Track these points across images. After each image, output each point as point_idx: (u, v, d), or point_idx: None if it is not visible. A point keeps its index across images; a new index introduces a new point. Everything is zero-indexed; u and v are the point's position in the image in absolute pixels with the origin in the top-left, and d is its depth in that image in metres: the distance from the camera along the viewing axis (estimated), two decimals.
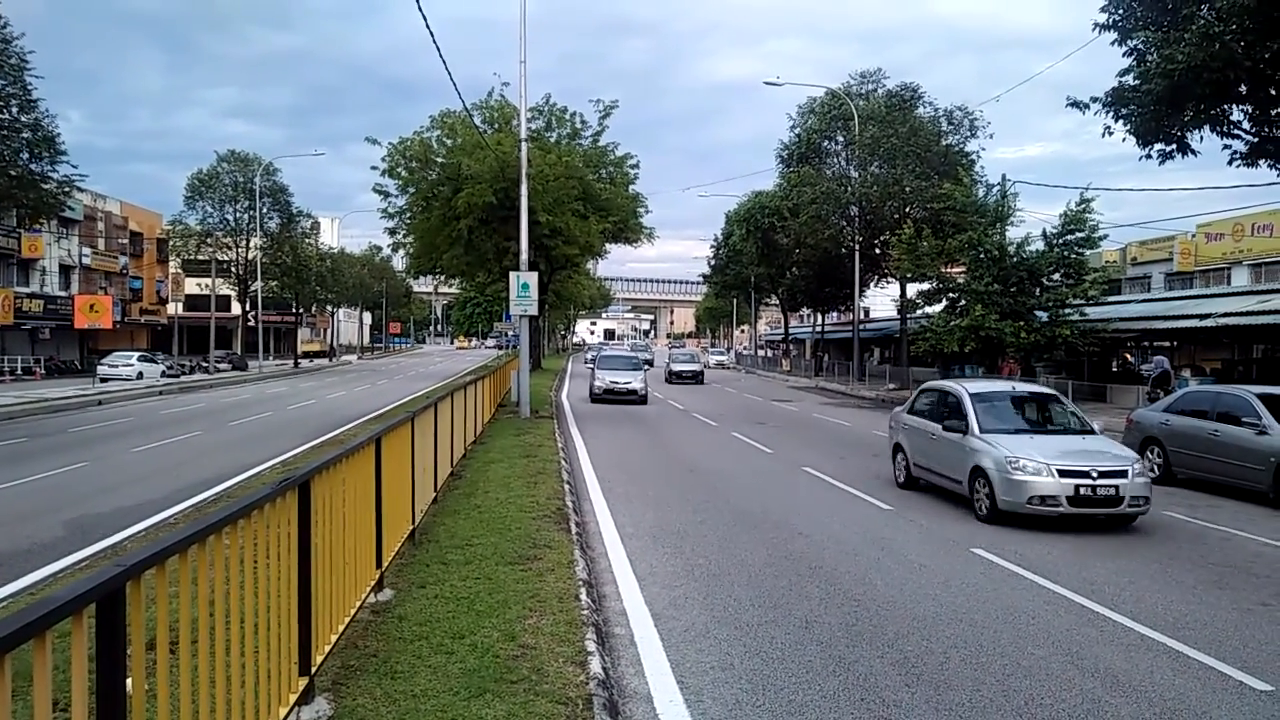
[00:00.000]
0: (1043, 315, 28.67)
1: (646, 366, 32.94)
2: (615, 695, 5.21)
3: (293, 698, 4.14)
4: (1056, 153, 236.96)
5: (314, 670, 4.50)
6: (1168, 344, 33.40)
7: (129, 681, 2.51)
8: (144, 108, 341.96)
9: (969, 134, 38.54)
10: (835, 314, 62.63)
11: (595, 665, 5.33)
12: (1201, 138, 19.13)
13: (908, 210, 36.19)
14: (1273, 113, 18.19)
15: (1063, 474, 10.21)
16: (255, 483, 12.46)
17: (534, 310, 23.11)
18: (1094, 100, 19.50)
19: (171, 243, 59.32)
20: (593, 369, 31.62)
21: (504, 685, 4.93)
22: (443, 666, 5.18)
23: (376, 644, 5.55)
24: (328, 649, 4.82)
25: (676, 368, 44.73)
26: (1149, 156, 19.52)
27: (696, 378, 44.02)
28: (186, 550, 2.96)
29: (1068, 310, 28.58)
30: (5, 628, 1.98)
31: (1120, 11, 18.74)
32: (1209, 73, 16.44)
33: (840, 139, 43.82)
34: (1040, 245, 29.36)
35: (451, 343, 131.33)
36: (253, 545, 3.64)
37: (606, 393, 29.49)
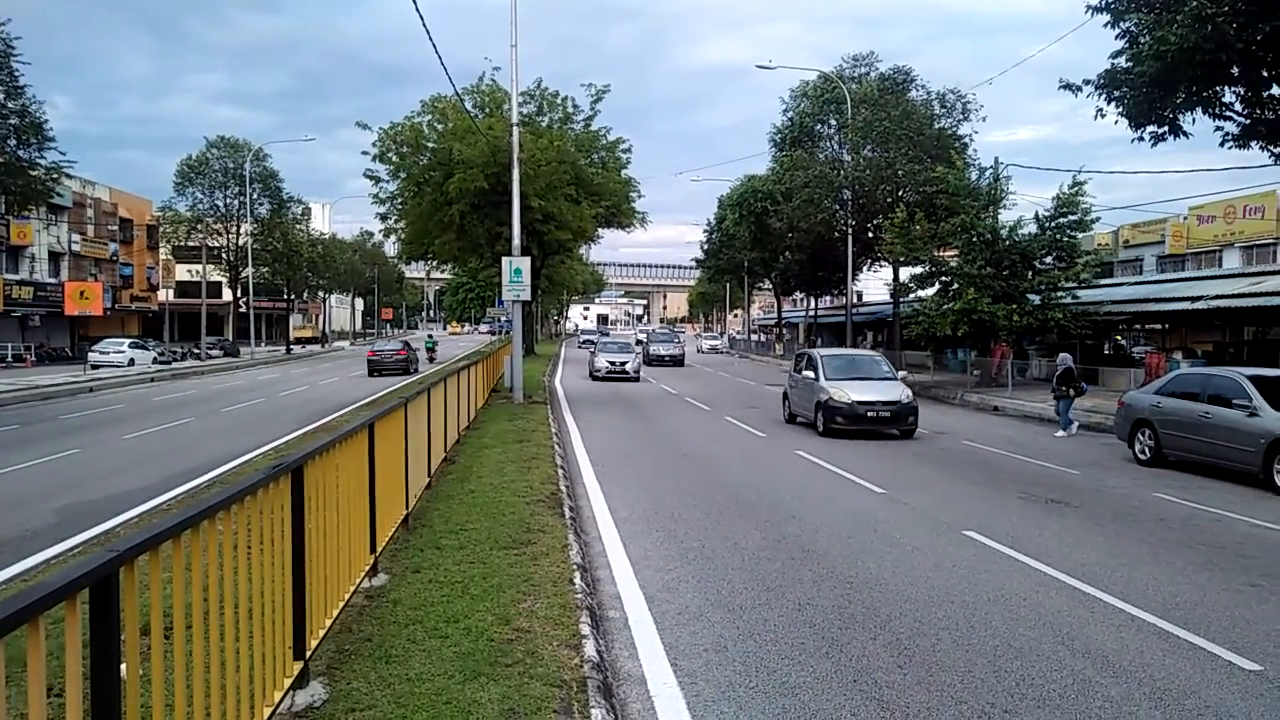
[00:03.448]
0: (1035, 298, 28.73)
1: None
2: (609, 678, 5.23)
3: (288, 682, 4.16)
4: (1049, 136, 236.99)
5: (309, 655, 4.51)
6: (1159, 326, 33.45)
7: (123, 666, 2.52)
8: (131, 93, 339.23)
9: (961, 117, 38.49)
10: (828, 298, 62.70)
11: (589, 648, 5.35)
12: (1194, 120, 19.11)
13: (900, 194, 36.13)
14: (1265, 94, 18.18)
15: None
16: (248, 469, 12.45)
17: (527, 295, 23.05)
18: (1086, 83, 19.46)
19: (162, 229, 59.07)
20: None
21: (498, 668, 4.95)
22: (437, 650, 5.20)
23: (371, 628, 5.57)
24: (322, 633, 4.83)
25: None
26: (1141, 139, 19.50)
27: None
28: (180, 535, 2.96)
29: (1060, 293, 28.65)
30: None
31: None
32: (1201, 54, 16.41)
33: (833, 122, 43.78)
34: (1033, 228, 29.40)
35: (444, 328, 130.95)
36: (246, 530, 3.64)
37: None
